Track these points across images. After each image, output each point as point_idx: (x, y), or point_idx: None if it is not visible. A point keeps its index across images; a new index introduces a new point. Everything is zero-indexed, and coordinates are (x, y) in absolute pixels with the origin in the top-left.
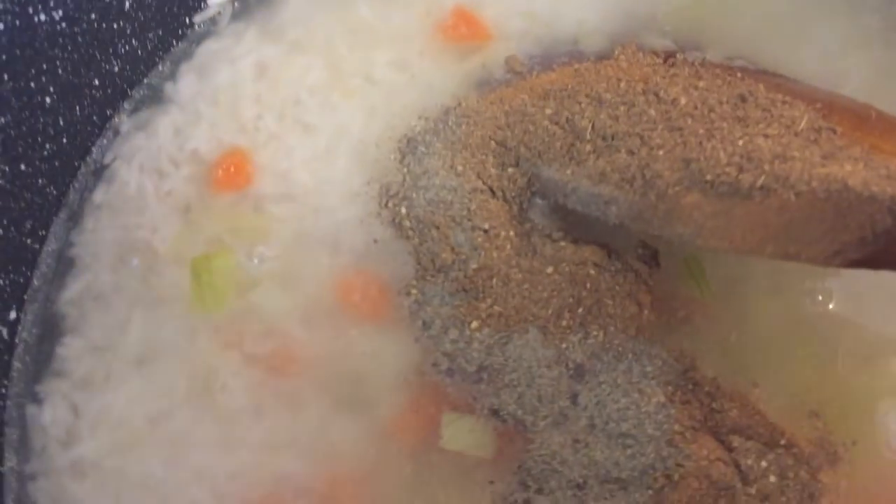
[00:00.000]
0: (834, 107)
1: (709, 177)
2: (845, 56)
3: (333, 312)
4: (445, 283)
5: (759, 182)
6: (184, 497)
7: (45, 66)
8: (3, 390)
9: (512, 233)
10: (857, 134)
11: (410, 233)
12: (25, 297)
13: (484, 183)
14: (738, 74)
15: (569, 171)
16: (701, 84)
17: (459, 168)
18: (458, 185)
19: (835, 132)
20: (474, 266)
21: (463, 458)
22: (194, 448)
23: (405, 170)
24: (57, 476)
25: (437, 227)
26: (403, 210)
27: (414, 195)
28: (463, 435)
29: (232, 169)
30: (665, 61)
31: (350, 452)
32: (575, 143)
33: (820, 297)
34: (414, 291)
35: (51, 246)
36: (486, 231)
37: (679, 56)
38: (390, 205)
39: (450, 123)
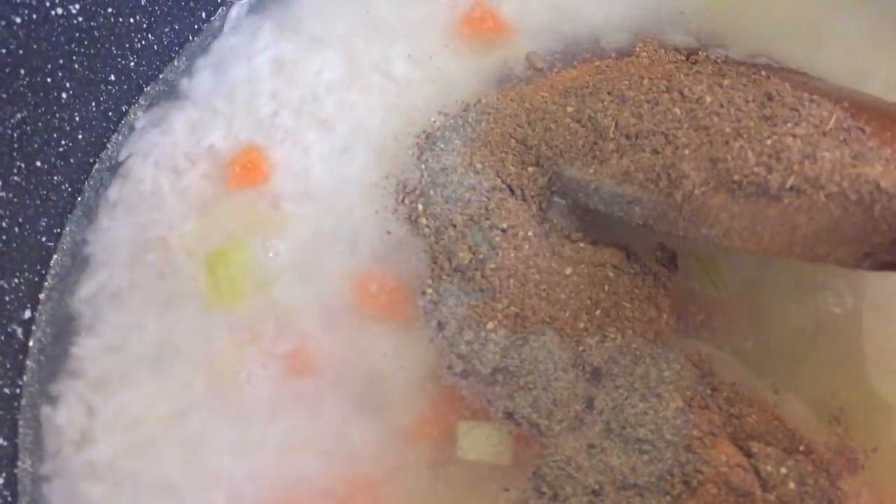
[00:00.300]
0: (861, 106)
1: (737, 177)
2: (870, 53)
3: (351, 312)
4: (462, 282)
5: (789, 183)
6: (200, 499)
7: (61, 62)
8: (18, 391)
9: (530, 233)
10: (887, 134)
11: (427, 230)
12: (40, 296)
13: (503, 181)
14: (763, 72)
15: (591, 171)
16: (726, 82)
17: (478, 166)
18: (477, 182)
19: (864, 132)
20: (492, 266)
21: (479, 464)
22: (211, 449)
23: (423, 166)
24: (71, 478)
25: (455, 226)
26: (420, 207)
27: (431, 192)
28: (481, 443)
29: (248, 166)
30: (687, 58)
31: (368, 455)
32: (597, 141)
33: (831, 298)
34: (429, 291)
35: (65, 244)
36: (504, 231)
37: (701, 53)
38: (407, 202)
39: (469, 120)
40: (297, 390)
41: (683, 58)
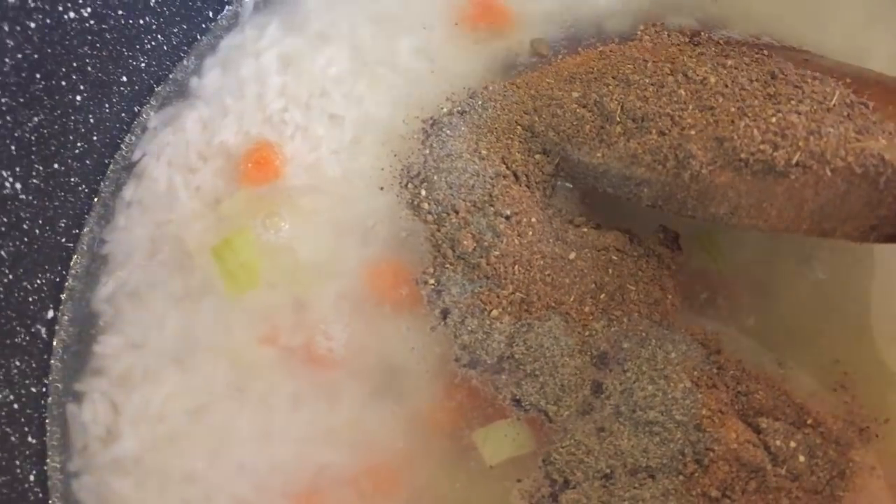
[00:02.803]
0: (864, 81)
1: (743, 155)
2: (870, 30)
3: (367, 301)
4: (465, 270)
5: (795, 159)
6: (226, 491)
7: (75, 65)
8: (44, 389)
9: (534, 219)
10: (890, 108)
11: (429, 217)
12: (62, 295)
13: (508, 168)
14: (765, 52)
15: (599, 154)
16: (729, 62)
17: (483, 152)
18: (482, 168)
19: (867, 107)
20: (496, 253)
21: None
22: (234, 441)
23: (427, 151)
24: (100, 473)
25: (457, 212)
26: (423, 192)
27: (435, 177)
28: (501, 444)
29: (260, 162)
30: (690, 40)
31: (387, 444)
32: (604, 125)
33: (818, 266)
34: (431, 280)
35: (84, 244)
36: (508, 217)
37: (704, 35)
38: (410, 186)
39: (476, 107)
40: (316, 380)
41: (686, 40)
